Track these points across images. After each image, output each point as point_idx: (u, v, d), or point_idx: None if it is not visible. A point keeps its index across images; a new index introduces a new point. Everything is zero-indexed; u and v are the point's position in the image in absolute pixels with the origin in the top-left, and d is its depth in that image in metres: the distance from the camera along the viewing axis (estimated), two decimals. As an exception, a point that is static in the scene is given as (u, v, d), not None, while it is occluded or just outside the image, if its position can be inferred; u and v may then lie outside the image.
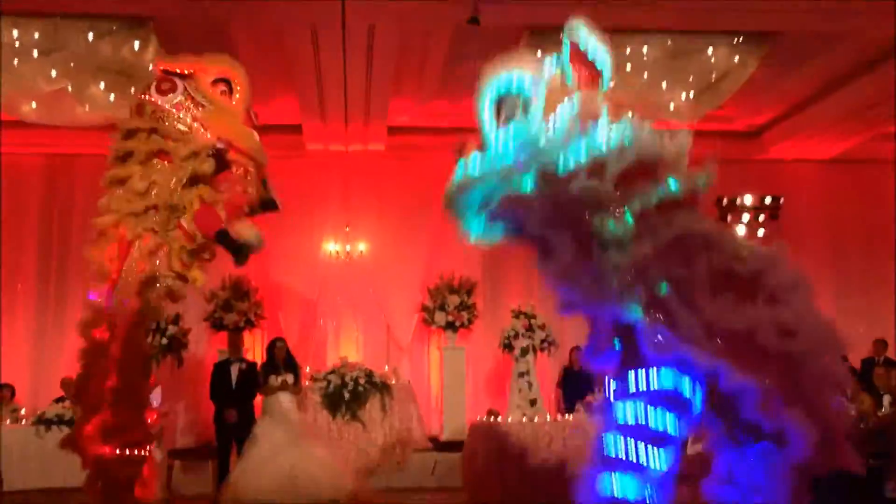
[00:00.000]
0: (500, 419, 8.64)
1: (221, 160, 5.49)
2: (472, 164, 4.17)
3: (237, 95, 5.75)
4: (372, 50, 8.89)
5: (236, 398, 8.96)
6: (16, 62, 8.46)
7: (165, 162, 5.46)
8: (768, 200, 11.59)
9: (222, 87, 5.64)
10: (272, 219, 11.48)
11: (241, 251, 5.66)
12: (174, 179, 5.38)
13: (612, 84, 4.39)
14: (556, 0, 7.40)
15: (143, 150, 5.45)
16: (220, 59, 5.97)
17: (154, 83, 5.63)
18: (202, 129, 5.49)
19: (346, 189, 11.83)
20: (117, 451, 5.32)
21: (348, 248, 11.77)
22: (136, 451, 5.46)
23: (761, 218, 11.53)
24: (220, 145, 5.46)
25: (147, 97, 5.57)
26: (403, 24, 8.43)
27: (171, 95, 5.48)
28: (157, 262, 5.46)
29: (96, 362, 5.38)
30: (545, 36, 8.69)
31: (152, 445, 5.78)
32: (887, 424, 6.29)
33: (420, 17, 8.28)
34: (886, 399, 7.46)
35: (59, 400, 9.66)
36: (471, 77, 10.28)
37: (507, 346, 9.07)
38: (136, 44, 8.42)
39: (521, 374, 8.80)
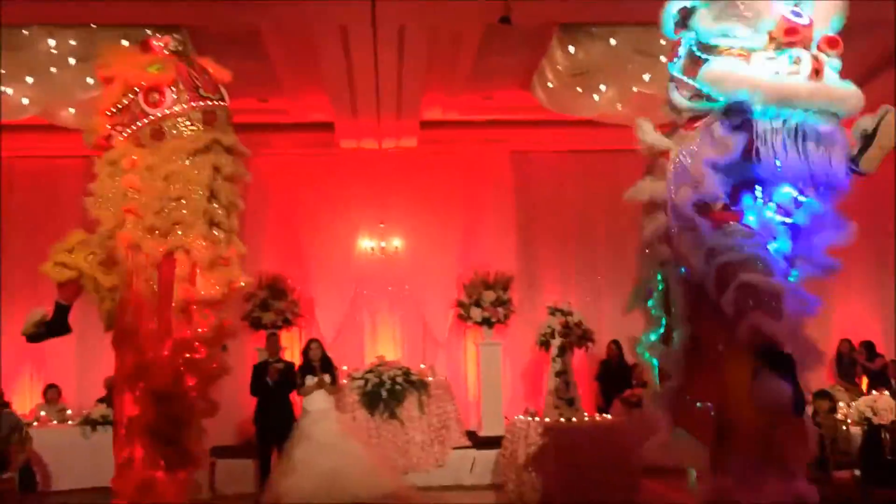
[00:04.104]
0: (537, 418, 8.62)
1: None
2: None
3: None
4: (402, 47, 8.87)
5: (275, 399, 9.06)
6: (53, 70, 8.60)
7: None
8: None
9: None
10: (307, 217, 11.76)
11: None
12: None
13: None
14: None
15: None
16: None
17: None
18: None
19: (380, 185, 11.84)
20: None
21: (383, 244, 11.81)
22: None
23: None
24: None
25: None
26: (434, 23, 8.39)
27: None
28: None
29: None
30: (575, 31, 8.64)
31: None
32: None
33: (450, 16, 8.22)
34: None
35: (102, 400, 9.83)
36: (503, 70, 10.29)
37: (544, 344, 9.04)
38: (170, 50, 8.48)
39: (558, 374, 8.75)
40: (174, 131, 4.95)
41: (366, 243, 11.84)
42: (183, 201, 4.85)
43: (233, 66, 9.39)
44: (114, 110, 5.05)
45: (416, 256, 11.84)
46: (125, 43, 8.37)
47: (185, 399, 4.83)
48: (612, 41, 8.56)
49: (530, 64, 9.76)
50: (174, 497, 4.90)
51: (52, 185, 11.68)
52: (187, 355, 4.76)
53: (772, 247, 4.33)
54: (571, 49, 8.70)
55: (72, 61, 8.46)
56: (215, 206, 4.93)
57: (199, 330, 4.80)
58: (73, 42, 8.45)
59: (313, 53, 9.11)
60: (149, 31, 8.45)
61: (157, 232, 4.83)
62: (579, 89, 9.23)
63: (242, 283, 5.01)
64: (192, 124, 4.96)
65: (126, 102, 5.01)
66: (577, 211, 12.23)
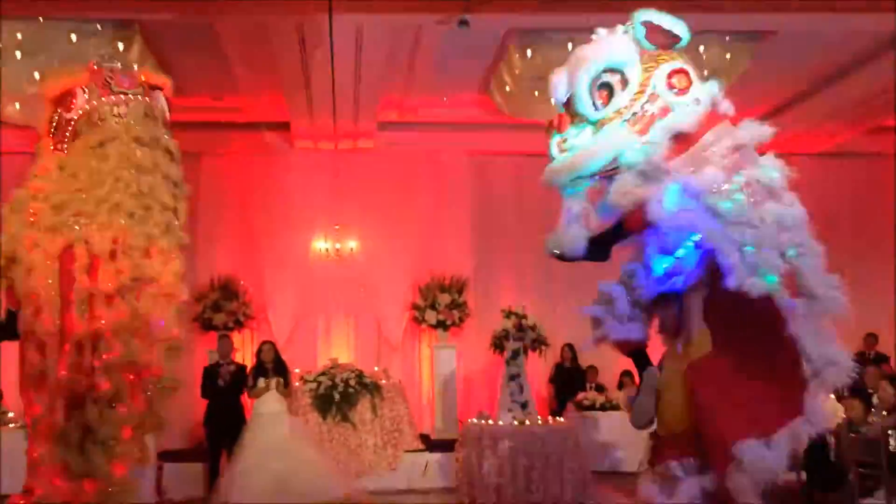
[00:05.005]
0: (490, 421, 8.62)
1: None
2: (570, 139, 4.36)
3: None
4: (360, 48, 8.81)
5: (226, 401, 8.93)
6: (-2, 63, 8.39)
7: None
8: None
9: None
10: (262, 217, 11.62)
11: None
12: None
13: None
14: (542, 3, 7.38)
15: None
16: None
17: None
18: None
19: (336, 186, 11.74)
20: None
21: (338, 245, 11.71)
22: None
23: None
24: None
25: None
26: (391, 24, 8.35)
27: None
28: None
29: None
30: (533, 36, 8.67)
31: None
32: (877, 434, 6.25)
33: (408, 18, 8.19)
34: (875, 399, 7.45)
35: (47, 403, 9.58)
36: (461, 73, 10.32)
37: (498, 347, 9.06)
38: (121, 45, 8.32)
39: (512, 377, 8.75)
40: (86, 127, 4.96)
41: (321, 245, 11.73)
42: (83, 194, 4.79)
43: (188, 62, 9.44)
44: (52, 131, 5.10)
45: (371, 259, 11.77)
46: (74, 37, 8.22)
47: (98, 405, 4.64)
48: (570, 46, 8.60)
49: (488, 68, 9.78)
50: None
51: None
52: (105, 357, 4.59)
53: (660, 263, 4.41)
54: (529, 54, 8.74)
55: (18, 55, 8.25)
56: (125, 196, 4.82)
57: (102, 322, 4.65)
58: (19, 36, 8.25)
59: (269, 52, 9.01)
60: (99, 27, 8.31)
61: (56, 227, 4.76)
62: (536, 94, 9.27)
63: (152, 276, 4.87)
64: (101, 118, 4.95)
65: (57, 118, 5.06)
66: (534, 215, 12.19)
